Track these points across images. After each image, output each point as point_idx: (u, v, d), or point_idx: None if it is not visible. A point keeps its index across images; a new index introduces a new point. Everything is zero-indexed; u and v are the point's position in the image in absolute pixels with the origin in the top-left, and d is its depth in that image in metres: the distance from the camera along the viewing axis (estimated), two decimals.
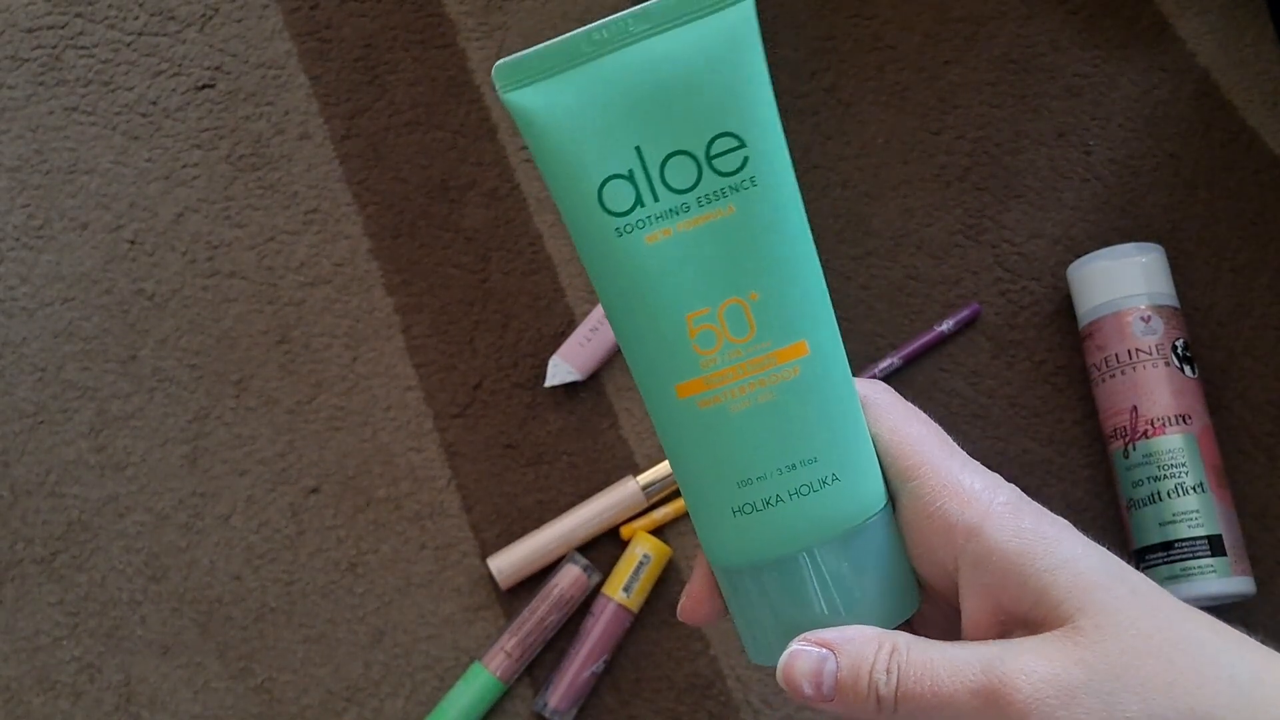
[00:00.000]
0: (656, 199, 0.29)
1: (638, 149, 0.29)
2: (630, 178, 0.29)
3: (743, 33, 0.29)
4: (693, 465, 0.30)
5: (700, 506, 0.31)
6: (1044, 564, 0.27)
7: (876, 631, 0.29)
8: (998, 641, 0.27)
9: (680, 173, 0.29)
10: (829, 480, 0.30)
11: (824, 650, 0.29)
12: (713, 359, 0.29)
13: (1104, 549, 0.28)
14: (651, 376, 0.30)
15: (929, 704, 0.27)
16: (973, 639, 0.29)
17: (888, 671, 0.28)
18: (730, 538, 0.30)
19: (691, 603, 0.33)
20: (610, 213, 0.29)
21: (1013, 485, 0.30)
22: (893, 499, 0.31)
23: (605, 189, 0.29)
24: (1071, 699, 0.26)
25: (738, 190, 0.29)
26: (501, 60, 0.29)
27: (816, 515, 0.30)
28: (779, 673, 0.29)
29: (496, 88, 0.29)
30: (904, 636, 0.28)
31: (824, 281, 0.30)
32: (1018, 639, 0.27)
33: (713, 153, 0.29)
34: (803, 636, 0.29)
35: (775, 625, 0.31)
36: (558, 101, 0.29)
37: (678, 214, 0.29)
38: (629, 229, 0.29)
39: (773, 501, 0.30)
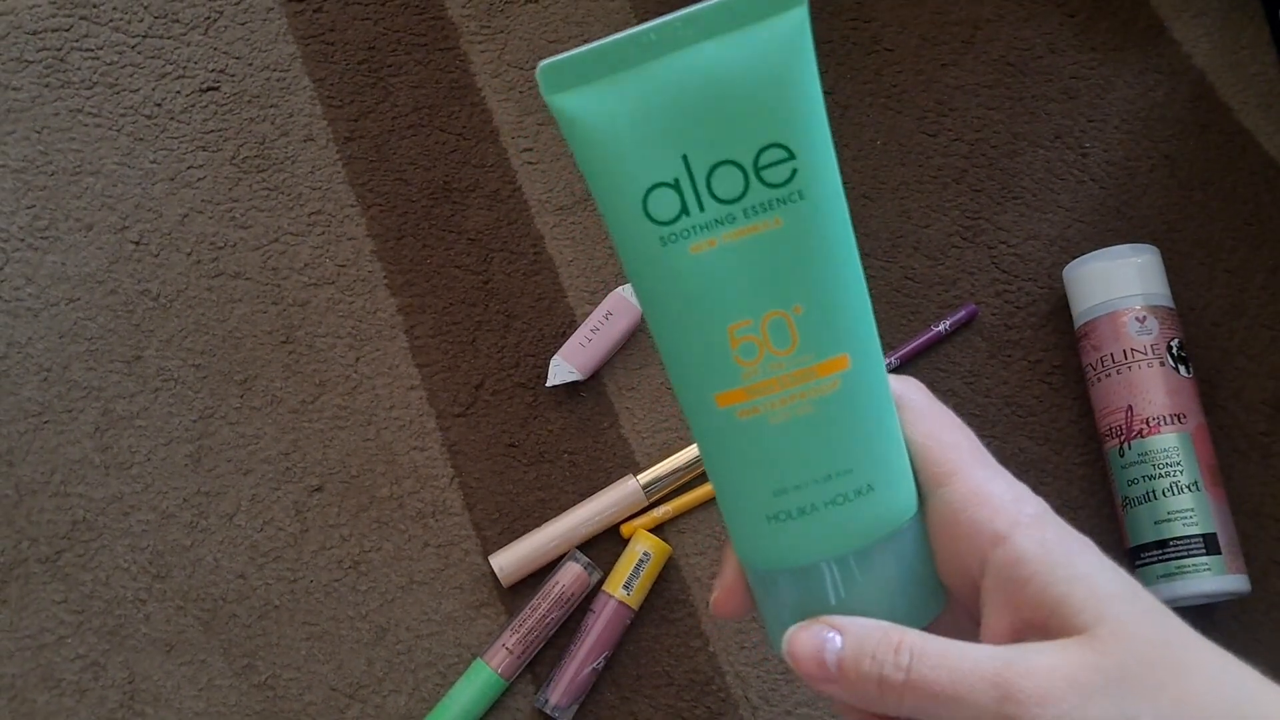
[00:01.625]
0: (702, 209, 0.28)
1: (684, 157, 0.28)
2: (676, 186, 0.28)
3: (796, 41, 0.28)
4: (730, 472, 0.30)
5: (735, 511, 0.31)
6: (1065, 574, 0.28)
7: (888, 623, 0.29)
8: (1015, 645, 0.28)
9: (727, 183, 0.28)
10: (864, 490, 0.30)
11: (831, 630, 0.30)
12: (754, 370, 0.29)
13: (1121, 569, 0.29)
14: (691, 385, 0.30)
15: (942, 692, 0.27)
16: (989, 644, 0.29)
17: (897, 653, 0.28)
18: (763, 543, 0.31)
19: (724, 596, 0.33)
20: (655, 221, 0.28)
21: (1040, 498, 0.31)
22: (922, 502, 0.31)
23: (650, 197, 0.28)
24: (1087, 699, 0.26)
25: (785, 203, 0.28)
26: (546, 61, 0.28)
27: (850, 524, 0.30)
28: (784, 645, 0.30)
29: (541, 89, 0.28)
30: (916, 630, 0.29)
31: (868, 296, 0.30)
32: (1035, 643, 0.28)
33: (761, 164, 0.28)
34: (814, 619, 0.30)
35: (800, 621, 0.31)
36: (604, 106, 0.28)
37: (723, 224, 0.28)
38: (673, 238, 0.28)
39: (807, 510, 0.30)
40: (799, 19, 0.28)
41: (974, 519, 0.30)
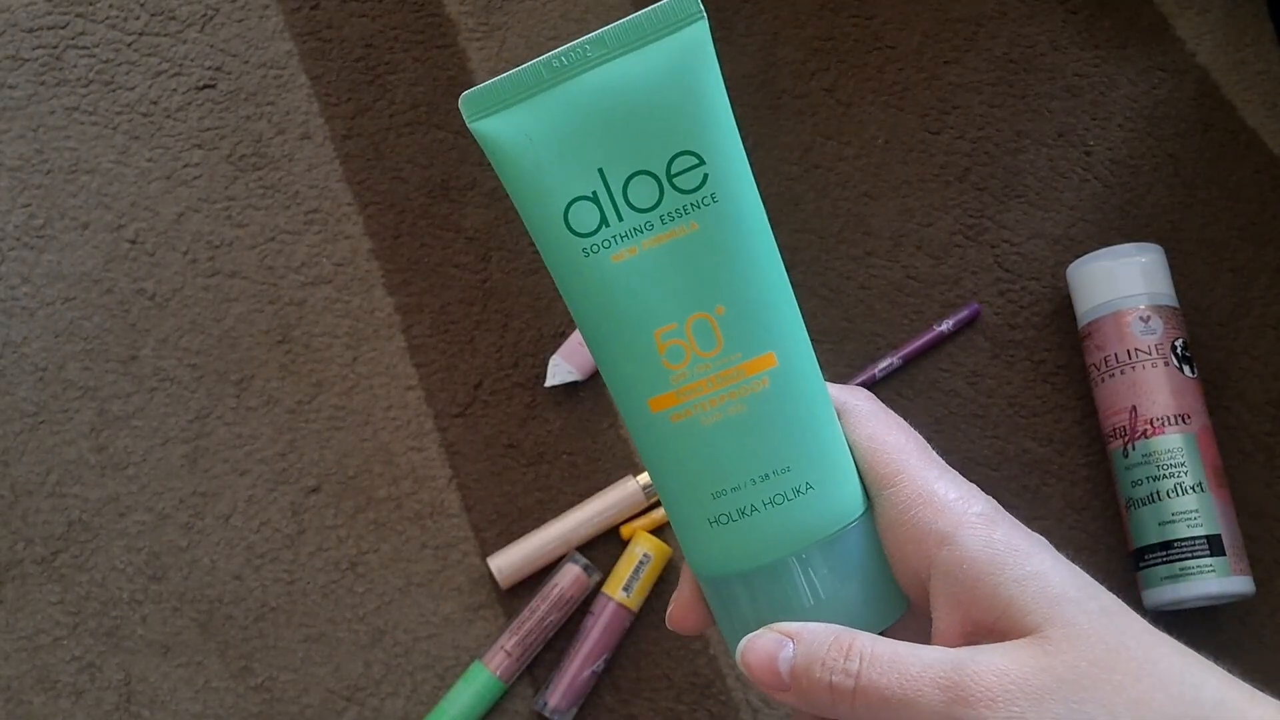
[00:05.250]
0: (621, 219, 0.30)
1: (600, 171, 0.29)
2: (594, 199, 0.30)
3: (697, 53, 0.29)
4: (669, 478, 0.31)
5: (679, 518, 0.31)
6: (1013, 575, 0.28)
7: (839, 627, 0.29)
8: (966, 647, 0.28)
9: (643, 192, 0.29)
10: (803, 489, 0.30)
11: (783, 637, 0.29)
12: (682, 373, 0.30)
13: (1077, 568, 0.29)
14: (625, 392, 0.31)
15: (893, 696, 0.27)
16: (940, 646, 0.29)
17: (846, 659, 0.28)
18: (708, 548, 0.31)
19: (679, 611, 0.33)
20: (576, 234, 0.30)
21: (989, 497, 0.30)
22: (871, 507, 0.31)
23: (570, 211, 0.30)
24: (1038, 702, 0.26)
25: (699, 207, 0.29)
26: (466, 91, 0.30)
27: (792, 524, 0.30)
28: (738, 656, 0.30)
29: (464, 118, 0.30)
30: (868, 634, 0.29)
31: (791, 293, 0.30)
32: (986, 645, 0.28)
33: (673, 171, 0.29)
34: (767, 626, 0.30)
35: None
36: (521, 128, 0.30)
37: (642, 232, 0.30)
38: (595, 249, 0.30)
39: (747, 511, 0.30)
40: (700, 32, 0.29)
41: (919, 520, 0.29)
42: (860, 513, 0.31)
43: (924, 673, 0.27)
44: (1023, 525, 0.30)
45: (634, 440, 0.31)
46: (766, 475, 0.30)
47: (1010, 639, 0.27)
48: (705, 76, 0.29)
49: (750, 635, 0.30)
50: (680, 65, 0.29)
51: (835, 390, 0.32)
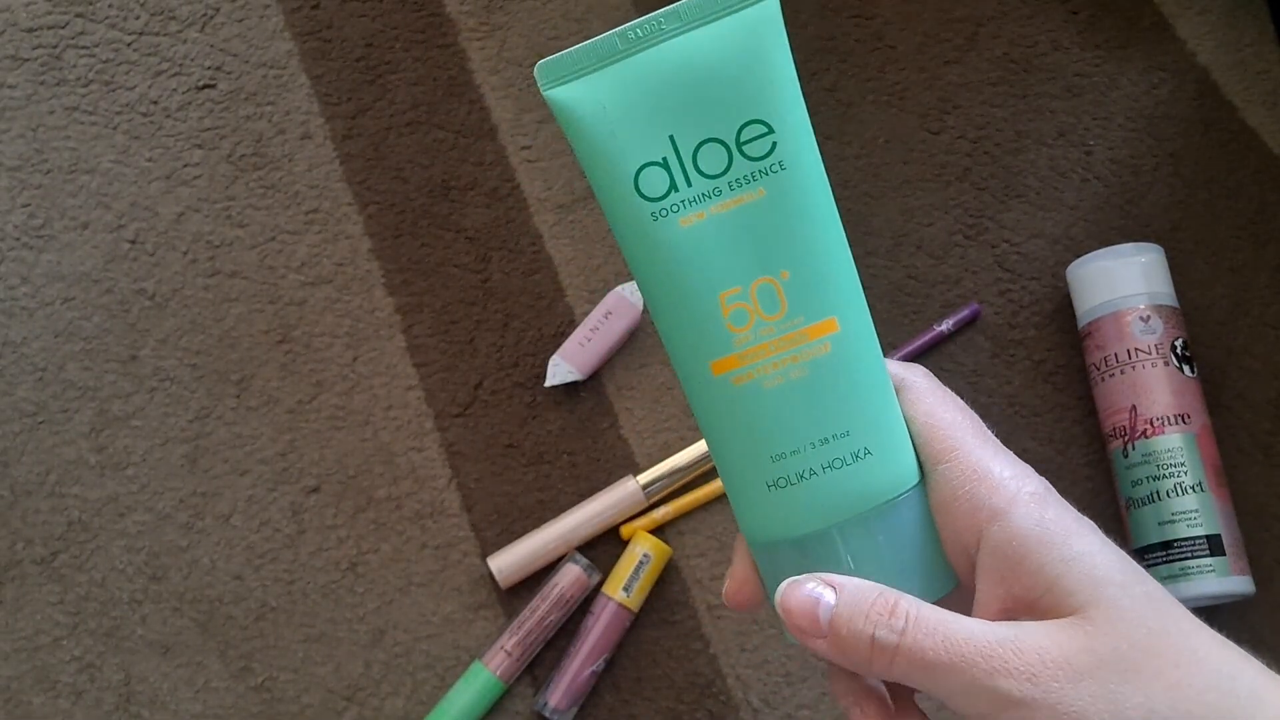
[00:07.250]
0: (690, 184, 0.30)
1: (671, 138, 0.30)
2: (665, 165, 0.30)
3: (768, 27, 0.30)
4: (728, 441, 0.31)
5: (736, 482, 0.32)
6: (1061, 554, 0.28)
7: (884, 586, 0.29)
8: (1010, 622, 0.28)
9: (712, 159, 0.30)
10: (861, 454, 0.31)
11: (825, 585, 0.29)
12: (746, 336, 0.31)
13: (1124, 553, 0.29)
14: (687, 354, 0.31)
15: (937, 660, 0.27)
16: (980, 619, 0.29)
17: (892, 616, 0.28)
18: (765, 512, 0.31)
19: (735, 586, 0.33)
20: (646, 198, 0.31)
21: (1042, 478, 0.31)
22: (925, 482, 0.31)
23: (641, 176, 0.30)
24: (1077, 681, 0.26)
25: (767, 174, 0.30)
26: (542, 60, 0.31)
27: (849, 489, 0.31)
28: (777, 598, 0.30)
29: (538, 85, 0.31)
30: (911, 597, 0.29)
31: (852, 261, 0.31)
32: (1031, 622, 0.28)
33: (742, 139, 0.30)
34: (809, 575, 0.30)
35: None
36: (595, 96, 0.31)
37: (710, 198, 0.30)
38: (664, 213, 0.31)
39: (806, 475, 0.31)
40: (770, 8, 0.30)
41: (972, 495, 0.30)
42: (914, 483, 0.31)
43: (969, 640, 0.27)
44: (1072, 508, 0.30)
45: (692, 403, 0.32)
46: (826, 439, 0.31)
47: (1051, 617, 0.28)
48: (775, 49, 0.30)
49: (790, 580, 0.30)
50: (751, 38, 0.30)
51: (893, 366, 0.32)
